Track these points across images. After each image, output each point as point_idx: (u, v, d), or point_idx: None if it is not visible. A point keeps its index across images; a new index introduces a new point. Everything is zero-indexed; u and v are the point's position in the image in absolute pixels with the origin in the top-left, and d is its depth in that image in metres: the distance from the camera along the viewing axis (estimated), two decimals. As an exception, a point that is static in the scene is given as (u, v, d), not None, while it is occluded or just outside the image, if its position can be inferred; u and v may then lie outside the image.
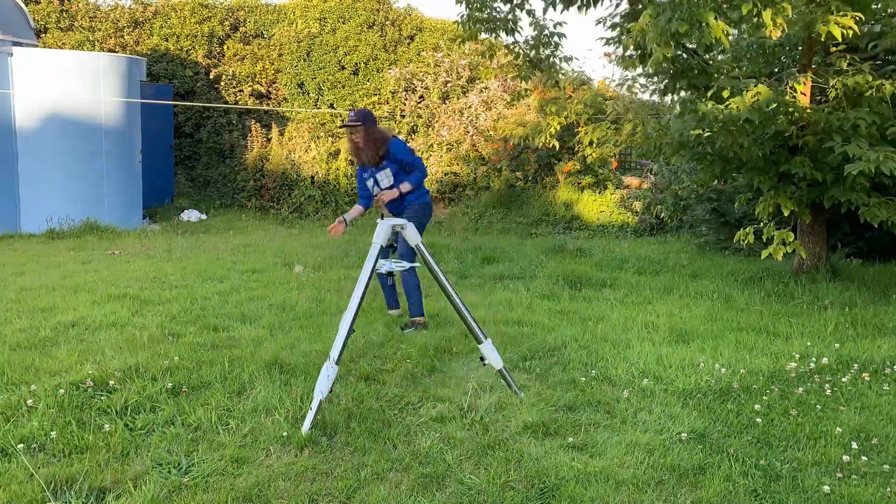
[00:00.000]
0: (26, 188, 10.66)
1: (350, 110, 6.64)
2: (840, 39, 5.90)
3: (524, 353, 4.98)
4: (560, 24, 7.90)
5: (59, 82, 10.56)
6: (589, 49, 25.78)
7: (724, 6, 5.73)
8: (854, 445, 3.62)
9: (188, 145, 15.10)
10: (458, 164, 14.13)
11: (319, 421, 3.71)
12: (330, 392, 3.73)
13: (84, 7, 14.74)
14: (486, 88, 14.41)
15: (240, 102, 15.03)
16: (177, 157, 14.71)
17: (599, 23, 7.57)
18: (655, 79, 7.93)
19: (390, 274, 4.24)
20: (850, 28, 5.81)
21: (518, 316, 5.99)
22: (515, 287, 7.22)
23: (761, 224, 6.89)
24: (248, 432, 3.62)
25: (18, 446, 3.34)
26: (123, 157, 11.38)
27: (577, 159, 11.98)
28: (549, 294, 6.93)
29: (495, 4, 7.68)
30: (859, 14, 5.89)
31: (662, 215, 12.09)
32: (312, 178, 13.53)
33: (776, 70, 7.79)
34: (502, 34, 7.87)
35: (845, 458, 3.48)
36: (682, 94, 7.56)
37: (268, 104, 15.25)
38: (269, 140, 14.09)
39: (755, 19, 5.69)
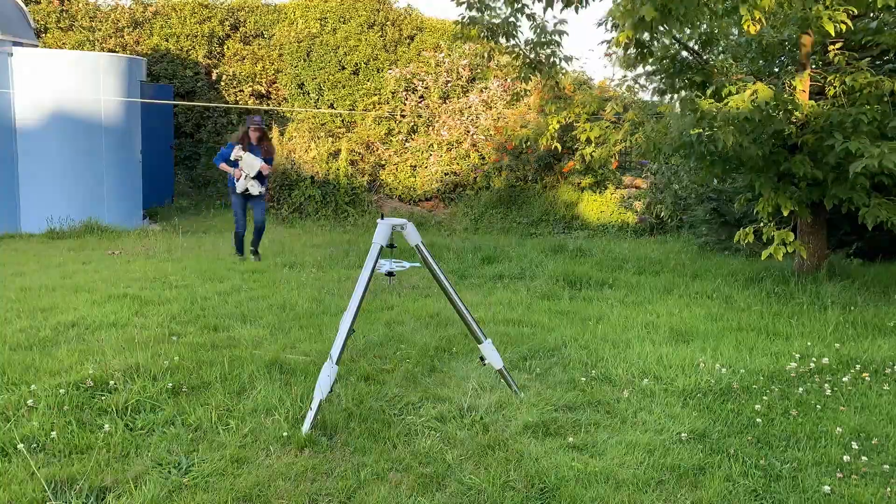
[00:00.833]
0: (26, 188, 10.66)
1: (256, 116, 8.51)
2: (833, 34, 5.90)
3: (524, 353, 4.98)
4: (561, 21, 7.90)
5: (59, 82, 10.56)
6: (590, 49, 25.79)
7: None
8: (854, 445, 3.61)
9: (188, 145, 15.10)
10: (458, 164, 14.14)
11: (319, 421, 3.71)
12: (330, 392, 3.72)
13: (84, 7, 14.74)
14: (486, 88, 14.41)
15: (240, 102, 15.03)
16: (177, 157, 14.71)
17: (601, 24, 7.58)
18: (655, 78, 7.93)
19: (391, 274, 4.23)
20: (844, 23, 5.82)
21: (518, 316, 5.99)
22: (515, 287, 7.22)
23: (761, 224, 6.89)
24: (248, 432, 3.62)
25: (19, 446, 3.34)
26: (123, 157, 11.38)
27: (577, 159, 11.98)
28: (549, 294, 6.93)
29: (495, 5, 7.68)
30: (852, 8, 5.89)
31: (662, 215, 12.09)
32: (312, 177, 13.53)
33: (775, 69, 7.80)
34: (502, 39, 7.88)
35: (845, 458, 3.48)
36: (682, 93, 7.56)
37: (268, 104, 15.26)
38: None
39: (732, 15, 5.73)
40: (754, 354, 5.01)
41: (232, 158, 8.18)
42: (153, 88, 12.95)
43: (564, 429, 3.78)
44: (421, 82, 14.65)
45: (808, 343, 5.27)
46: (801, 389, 4.36)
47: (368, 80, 15.00)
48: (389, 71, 14.84)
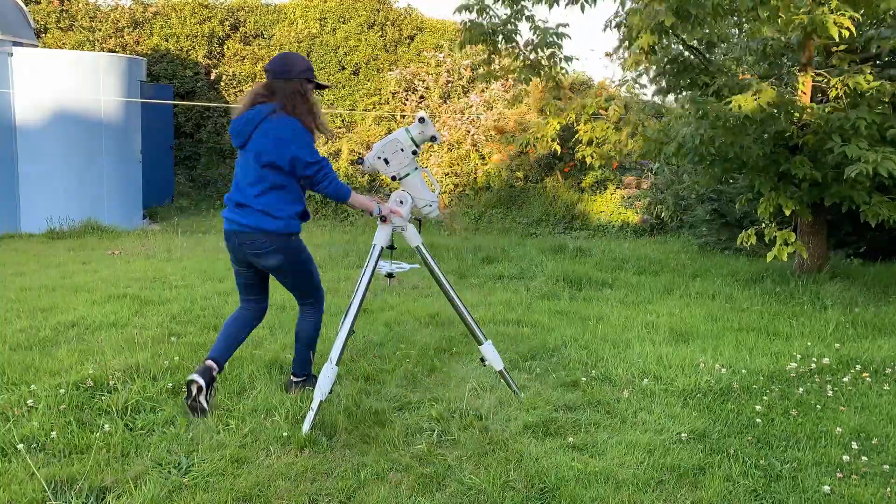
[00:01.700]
0: (26, 188, 10.66)
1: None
2: (837, 38, 5.91)
3: (524, 353, 4.98)
4: (562, 25, 7.90)
5: (59, 82, 10.56)
6: (591, 49, 25.79)
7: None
8: (854, 445, 3.61)
9: (188, 145, 15.10)
10: (458, 165, 14.14)
11: (319, 421, 3.71)
12: (329, 393, 3.72)
13: (84, 7, 14.74)
14: (486, 88, 14.41)
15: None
16: (177, 157, 14.71)
17: (606, 27, 7.57)
18: (658, 79, 7.94)
19: (391, 276, 4.22)
20: (847, 28, 5.83)
21: (518, 316, 5.99)
22: (515, 287, 7.22)
23: (762, 225, 6.89)
24: (248, 432, 3.62)
25: (19, 446, 3.34)
26: (123, 157, 11.38)
27: (578, 159, 11.97)
28: (550, 294, 6.92)
29: (495, 5, 7.69)
30: (856, 14, 5.90)
31: (663, 215, 12.09)
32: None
33: (778, 71, 7.80)
34: (501, 43, 7.89)
35: (845, 458, 3.48)
36: (685, 93, 7.56)
37: (268, 104, 15.24)
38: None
39: (751, 14, 5.75)
40: (754, 354, 5.01)
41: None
42: (153, 88, 12.95)
43: (564, 429, 3.78)
44: (421, 82, 14.65)
45: (809, 343, 5.27)
46: (801, 389, 4.36)
47: (368, 81, 15.01)
48: (390, 72, 14.84)
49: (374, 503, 3.05)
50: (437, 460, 3.41)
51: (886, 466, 3.41)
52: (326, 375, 3.69)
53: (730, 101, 6.13)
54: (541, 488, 3.18)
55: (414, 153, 3.89)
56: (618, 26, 7.52)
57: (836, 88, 6.24)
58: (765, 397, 4.23)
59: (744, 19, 6.18)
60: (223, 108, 14.74)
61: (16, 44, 10.92)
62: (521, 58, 8.06)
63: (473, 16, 7.71)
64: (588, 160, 8.22)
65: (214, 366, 3.85)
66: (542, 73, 8.06)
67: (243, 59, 15.12)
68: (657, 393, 4.29)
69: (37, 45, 12.21)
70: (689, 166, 7.88)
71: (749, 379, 4.51)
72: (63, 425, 3.57)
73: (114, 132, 11.13)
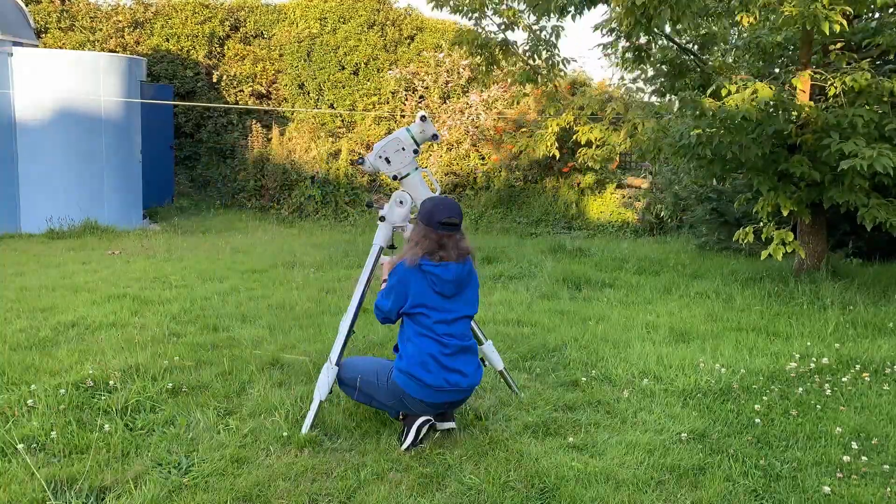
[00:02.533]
0: (26, 188, 10.66)
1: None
2: (828, 34, 5.93)
3: (524, 354, 4.98)
4: (559, 27, 7.92)
5: (59, 82, 10.56)
6: (589, 49, 25.78)
7: None
8: (854, 445, 3.62)
9: (188, 145, 15.10)
10: (458, 165, 14.14)
11: (319, 421, 3.71)
12: (329, 393, 3.72)
13: (85, 7, 14.74)
14: (485, 89, 14.41)
15: (240, 102, 15.03)
16: (177, 157, 14.71)
17: (597, 29, 7.58)
18: (655, 81, 7.95)
19: None
20: (840, 24, 5.84)
21: (518, 316, 5.99)
22: (515, 287, 7.22)
23: (761, 224, 6.90)
24: (248, 432, 3.62)
25: (19, 446, 3.34)
26: (123, 157, 11.37)
27: (578, 162, 12.00)
28: (549, 294, 6.93)
29: (487, 13, 7.76)
30: (849, 8, 5.91)
31: (662, 215, 12.10)
32: (312, 178, 13.53)
33: (775, 70, 7.80)
34: (499, 53, 7.94)
35: (845, 458, 3.48)
36: (682, 94, 7.57)
37: (268, 104, 15.26)
38: (269, 140, 14.10)
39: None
40: (754, 354, 5.01)
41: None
42: (153, 88, 12.95)
43: (564, 429, 3.78)
44: (421, 82, 14.66)
45: (808, 343, 5.27)
46: (800, 389, 4.36)
47: (368, 80, 15.01)
48: (389, 71, 14.84)
49: (374, 503, 3.05)
50: (437, 460, 3.41)
51: (886, 466, 3.41)
52: (326, 376, 3.69)
53: (727, 102, 6.14)
54: (541, 488, 3.18)
55: (415, 152, 3.89)
56: (611, 31, 7.56)
57: (835, 87, 6.25)
58: (764, 397, 4.24)
59: (731, 11, 6.19)
60: (223, 107, 14.74)
61: (16, 44, 10.92)
62: (519, 65, 8.09)
63: (468, 22, 7.77)
64: (590, 162, 8.24)
65: None
66: (539, 78, 8.09)
67: (243, 59, 15.12)
68: (657, 393, 4.30)
69: (37, 45, 12.20)
70: (688, 165, 7.88)
71: (749, 379, 4.51)
72: (63, 425, 3.57)
73: (114, 132, 11.13)
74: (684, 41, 7.81)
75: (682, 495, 3.15)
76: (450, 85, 14.55)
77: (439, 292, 3.54)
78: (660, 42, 7.58)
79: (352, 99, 14.99)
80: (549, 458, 3.43)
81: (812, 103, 6.55)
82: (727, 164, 7.11)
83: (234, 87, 15.09)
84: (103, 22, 14.68)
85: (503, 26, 7.92)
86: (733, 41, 8.04)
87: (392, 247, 3.98)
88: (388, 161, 3.87)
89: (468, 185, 14.05)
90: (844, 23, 5.86)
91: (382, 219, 3.89)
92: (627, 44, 7.41)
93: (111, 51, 14.10)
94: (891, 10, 6.72)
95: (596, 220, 12.75)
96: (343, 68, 15.01)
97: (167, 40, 14.91)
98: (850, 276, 7.39)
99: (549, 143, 8.67)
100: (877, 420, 3.95)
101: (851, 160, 5.84)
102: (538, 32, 7.91)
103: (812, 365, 4.75)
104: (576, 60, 15.37)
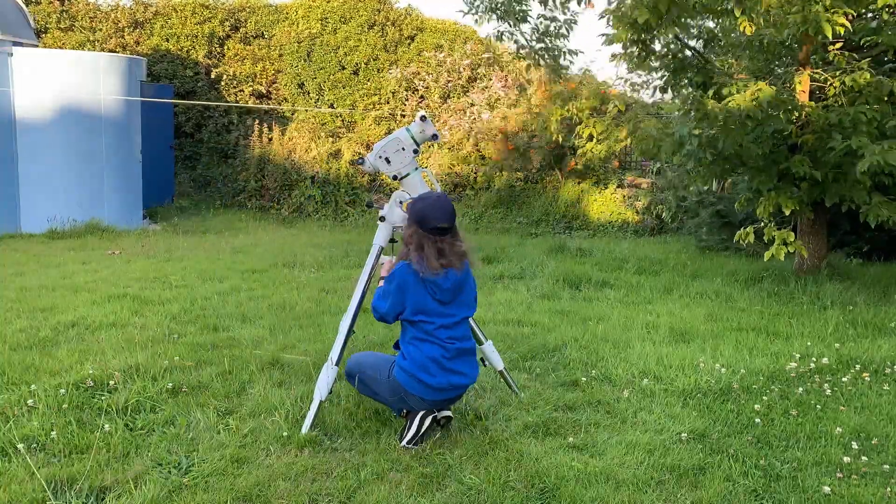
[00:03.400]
0: (26, 188, 10.66)
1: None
2: (830, 37, 5.92)
3: (524, 354, 4.98)
4: (571, 19, 7.94)
5: (59, 82, 10.56)
6: (598, 49, 25.77)
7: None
8: (854, 445, 3.61)
9: (189, 145, 15.11)
10: (458, 165, 14.14)
11: (319, 421, 3.71)
12: (329, 393, 3.72)
13: (84, 7, 14.75)
14: (487, 87, 14.41)
15: (240, 102, 15.03)
16: (177, 157, 14.72)
17: (602, 16, 7.59)
18: (657, 76, 7.95)
19: None
20: (843, 25, 5.83)
21: (518, 316, 5.99)
22: (516, 287, 7.22)
23: (762, 224, 6.89)
24: (248, 432, 3.62)
25: (19, 446, 3.34)
26: (124, 157, 11.38)
27: (578, 157, 11.99)
28: (550, 294, 6.92)
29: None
30: (851, 11, 5.91)
31: (663, 215, 12.09)
32: (313, 177, 13.53)
33: (777, 69, 7.80)
34: (509, 25, 7.94)
35: (845, 458, 3.47)
36: (684, 91, 7.56)
37: (268, 104, 15.26)
38: (269, 140, 14.11)
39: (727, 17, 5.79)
40: (754, 354, 5.01)
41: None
42: (153, 88, 12.95)
43: (564, 429, 3.78)
44: (421, 82, 14.65)
45: (808, 343, 5.27)
46: (800, 389, 4.36)
47: (369, 80, 15.00)
48: (390, 71, 14.84)
49: (374, 503, 3.05)
50: (437, 460, 3.41)
51: (886, 466, 3.41)
52: (326, 376, 3.69)
53: (729, 101, 6.13)
54: (541, 488, 3.18)
55: (415, 152, 3.89)
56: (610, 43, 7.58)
57: (835, 86, 6.25)
58: (764, 397, 4.23)
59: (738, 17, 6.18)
60: (223, 107, 14.74)
61: (16, 44, 10.92)
62: (529, 48, 8.13)
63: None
64: (589, 155, 8.26)
65: None
66: (547, 61, 8.12)
67: (244, 59, 15.12)
68: (657, 393, 4.30)
69: (37, 45, 12.21)
70: (688, 165, 7.89)
71: (749, 379, 4.51)
72: (63, 425, 3.57)
73: (114, 132, 11.13)
74: (688, 38, 7.81)
75: (682, 495, 3.15)
76: (450, 85, 14.55)
77: (439, 300, 3.55)
78: (664, 38, 7.59)
79: (352, 99, 14.99)
80: (549, 458, 3.43)
81: (813, 103, 6.55)
82: (728, 164, 7.11)
83: (234, 87, 15.09)
84: (103, 22, 14.68)
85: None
86: (734, 38, 8.02)
87: (392, 241, 3.98)
88: (387, 161, 3.87)
89: (469, 184, 14.05)
90: (847, 24, 5.85)
91: (382, 219, 3.89)
92: (633, 49, 7.42)
93: (111, 51, 14.10)
94: (891, 10, 6.71)
95: (596, 220, 12.75)
96: (343, 68, 15.01)
97: (167, 40, 14.91)
98: (851, 276, 7.39)
99: (555, 128, 8.68)
100: (877, 420, 3.95)
101: (866, 160, 5.80)
102: (552, 13, 7.95)
103: (812, 365, 4.75)
104: (583, 52, 15.34)
